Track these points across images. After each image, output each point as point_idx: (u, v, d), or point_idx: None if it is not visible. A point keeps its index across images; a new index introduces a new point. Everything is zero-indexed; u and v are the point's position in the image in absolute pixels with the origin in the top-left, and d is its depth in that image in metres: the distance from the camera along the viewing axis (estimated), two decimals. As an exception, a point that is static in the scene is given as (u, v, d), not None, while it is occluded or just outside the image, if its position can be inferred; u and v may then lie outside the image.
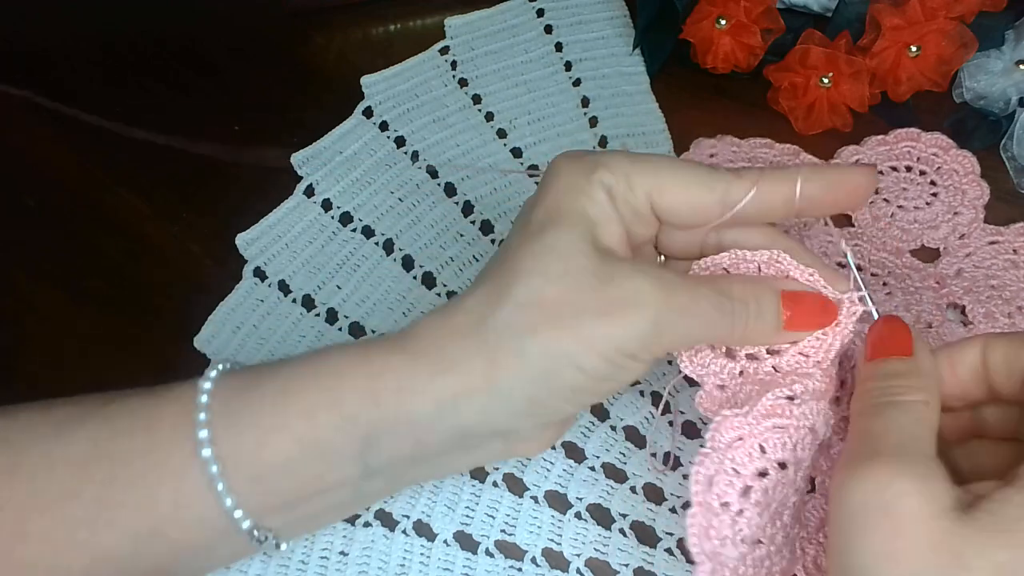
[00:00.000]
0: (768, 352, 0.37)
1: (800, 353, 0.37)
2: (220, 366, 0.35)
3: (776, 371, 0.37)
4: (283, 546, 0.36)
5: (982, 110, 0.55)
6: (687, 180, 0.36)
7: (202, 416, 0.33)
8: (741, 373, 0.37)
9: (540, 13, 0.64)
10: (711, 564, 0.33)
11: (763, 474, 0.35)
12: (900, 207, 0.51)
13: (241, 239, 0.53)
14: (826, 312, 0.36)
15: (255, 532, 0.34)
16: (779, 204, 0.36)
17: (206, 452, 0.32)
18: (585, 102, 0.59)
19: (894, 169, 0.53)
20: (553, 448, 0.44)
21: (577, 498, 0.42)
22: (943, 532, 0.28)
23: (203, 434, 0.32)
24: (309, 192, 0.55)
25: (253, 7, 0.66)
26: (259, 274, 0.52)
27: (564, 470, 0.43)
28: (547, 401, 0.34)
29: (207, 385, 0.34)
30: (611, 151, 0.37)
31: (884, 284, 0.48)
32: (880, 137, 0.54)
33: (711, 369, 0.37)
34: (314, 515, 0.36)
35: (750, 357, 0.37)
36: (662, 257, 0.39)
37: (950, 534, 0.28)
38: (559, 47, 0.62)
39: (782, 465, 0.35)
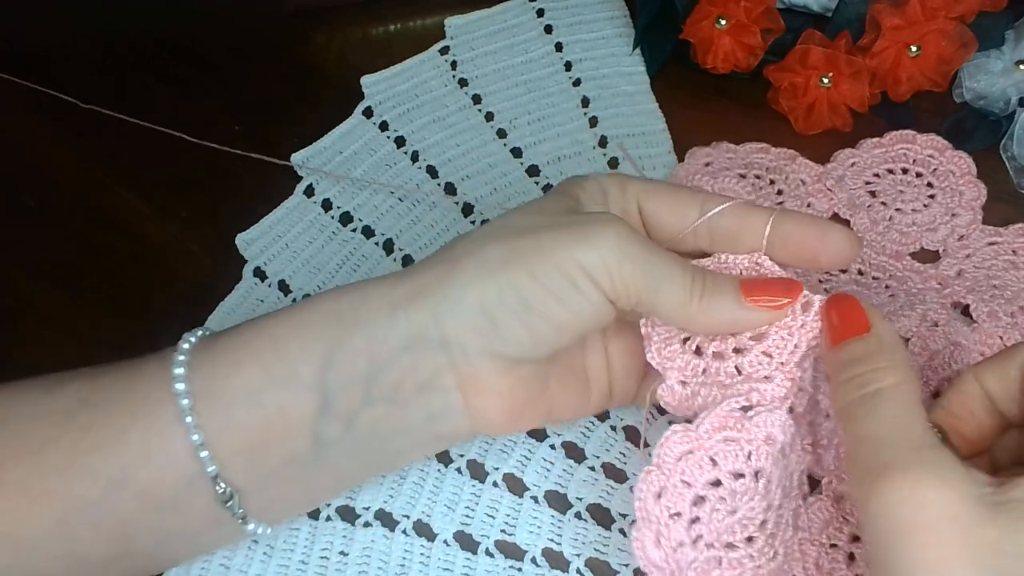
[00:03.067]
0: (734, 351, 0.37)
1: (764, 353, 0.36)
2: (204, 330, 0.37)
3: (739, 372, 0.36)
4: (251, 526, 0.36)
5: (982, 110, 0.55)
6: (672, 189, 0.39)
7: (180, 358, 0.34)
8: (704, 371, 0.37)
9: (540, 13, 0.64)
10: (659, 572, 0.35)
11: (717, 484, 0.35)
12: (898, 210, 0.51)
13: (241, 239, 0.53)
14: (789, 287, 0.36)
15: (220, 486, 0.34)
16: (750, 235, 0.37)
17: (179, 385, 0.33)
18: (585, 102, 0.59)
19: (891, 172, 0.53)
20: (553, 448, 0.44)
21: (577, 498, 0.42)
22: (972, 528, 0.28)
23: (178, 370, 0.34)
24: (309, 192, 0.55)
25: (253, 7, 0.67)
26: (259, 274, 0.52)
27: (564, 470, 0.43)
28: (495, 311, 0.34)
29: (191, 338, 0.36)
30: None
31: (886, 287, 0.48)
32: (876, 140, 0.54)
33: (676, 363, 0.37)
34: (276, 472, 0.35)
35: (716, 355, 0.37)
36: None
37: (979, 529, 0.28)
38: (559, 47, 0.62)
39: (737, 475, 0.36)
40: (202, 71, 0.63)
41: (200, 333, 0.36)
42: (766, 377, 0.36)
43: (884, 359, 0.33)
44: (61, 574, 0.35)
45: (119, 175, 0.57)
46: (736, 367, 0.36)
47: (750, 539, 0.36)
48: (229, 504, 0.35)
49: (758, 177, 0.53)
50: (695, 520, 0.35)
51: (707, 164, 0.54)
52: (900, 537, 0.29)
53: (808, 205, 0.52)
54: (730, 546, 0.36)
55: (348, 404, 0.35)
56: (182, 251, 0.54)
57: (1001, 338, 0.45)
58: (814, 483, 0.40)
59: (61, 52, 0.64)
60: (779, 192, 0.53)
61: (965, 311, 0.47)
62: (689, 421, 0.36)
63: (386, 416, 0.35)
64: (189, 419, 0.33)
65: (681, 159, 0.55)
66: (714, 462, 0.35)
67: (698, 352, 0.37)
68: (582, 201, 0.37)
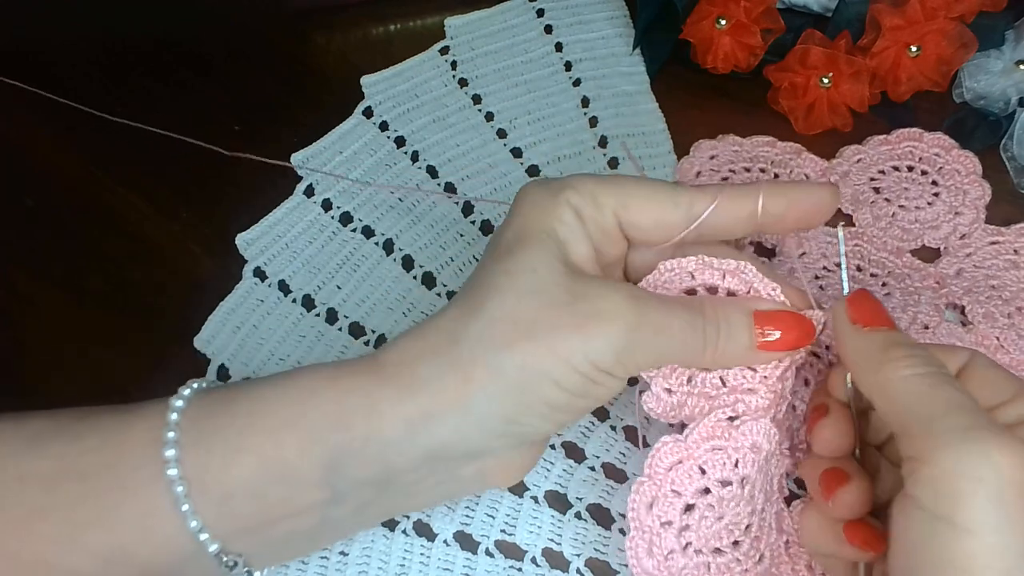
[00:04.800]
0: None
1: (747, 366, 0.37)
2: (195, 384, 0.35)
3: (723, 384, 0.37)
4: (256, 574, 0.35)
5: (982, 110, 0.55)
6: (651, 195, 0.36)
7: (170, 435, 0.32)
8: (689, 380, 0.37)
9: (540, 13, 0.64)
10: None
11: (706, 492, 0.36)
12: (901, 207, 0.51)
13: (241, 239, 0.53)
14: (803, 330, 0.36)
15: (223, 557, 0.33)
16: (742, 219, 0.37)
17: (172, 471, 0.32)
18: (585, 102, 0.59)
19: (896, 169, 0.53)
20: (553, 448, 0.44)
21: (577, 498, 0.42)
22: None
23: (169, 453, 0.32)
24: (309, 192, 0.55)
25: (253, 7, 0.67)
26: (259, 274, 0.52)
27: (564, 470, 0.43)
28: (522, 418, 0.33)
29: (179, 403, 0.33)
30: (577, 175, 0.37)
31: (883, 284, 0.48)
32: (882, 137, 0.54)
33: (661, 371, 0.37)
34: (282, 542, 0.35)
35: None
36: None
37: None
38: (559, 47, 0.62)
39: (725, 483, 0.36)
40: (202, 71, 0.63)
41: (187, 393, 0.34)
42: (750, 389, 0.37)
43: (914, 350, 0.33)
44: None
45: (119, 175, 0.57)
46: (721, 378, 0.37)
47: (736, 543, 0.37)
48: (234, 569, 0.34)
49: (762, 171, 0.54)
50: (685, 528, 0.36)
51: (712, 157, 0.55)
52: (972, 498, 0.28)
53: None
54: (717, 551, 0.37)
55: (360, 498, 0.34)
56: (182, 251, 0.54)
57: (997, 338, 0.45)
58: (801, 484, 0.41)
59: (61, 53, 0.64)
60: None
61: (962, 312, 0.47)
62: (675, 427, 0.37)
63: (401, 503, 0.36)
64: (185, 507, 0.32)
65: (681, 159, 0.55)
66: (703, 471, 0.36)
67: None
68: (564, 241, 0.35)
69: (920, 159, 0.53)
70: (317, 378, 0.34)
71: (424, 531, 0.42)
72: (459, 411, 0.33)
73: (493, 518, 0.42)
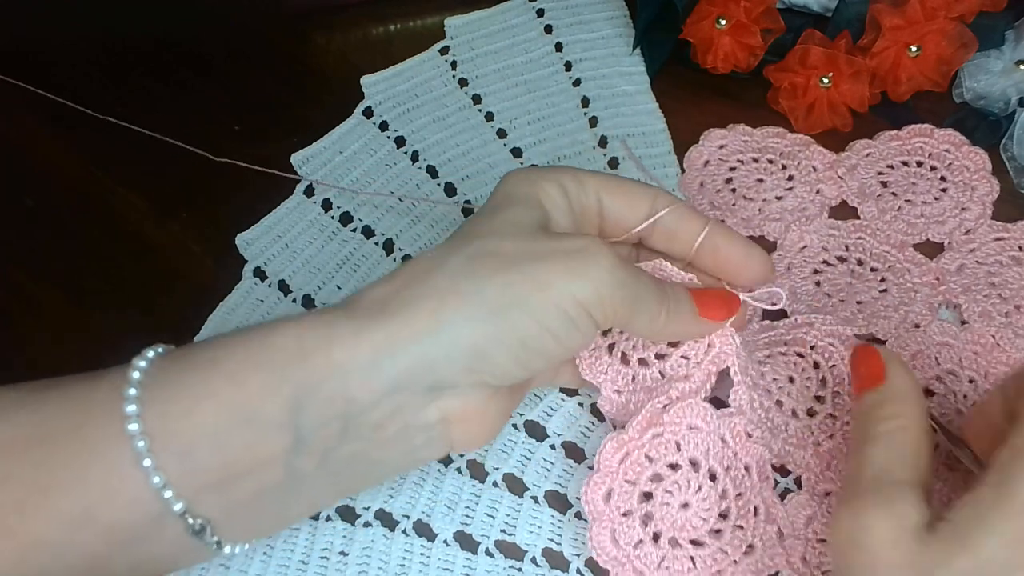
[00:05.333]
0: (656, 357, 0.41)
1: (683, 356, 0.41)
2: (160, 348, 0.34)
3: (662, 376, 0.41)
4: (227, 548, 0.34)
5: (982, 110, 0.55)
6: (627, 184, 0.40)
7: (131, 391, 0.32)
8: (633, 378, 0.41)
9: (540, 13, 0.64)
10: (618, 567, 0.38)
11: (658, 478, 0.39)
12: (908, 201, 0.52)
13: (241, 239, 0.53)
14: (730, 302, 0.40)
15: (189, 519, 0.32)
16: (683, 238, 0.41)
17: (132, 426, 0.31)
18: (585, 102, 0.59)
19: (905, 164, 0.54)
20: (553, 448, 0.44)
21: (577, 498, 0.42)
22: (911, 553, 0.29)
23: (130, 408, 0.31)
24: (309, 192, 0.55)
25: (253, 8, 0.67)
26: (259, 274, 0.52)
27: (564, 470, 0.43)
28: (491, 351, 0.33)
29: (141, 363, 0.33)
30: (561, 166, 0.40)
31: (881, 280, 0.48)
32: (893, 132, 0.55)
33: (608, 376, 0.41)
34: (249, 504, 0.34)
35: (641, 362, 0.42)
36: None
37: (917, 553, 0.29)
38: (559, 47, 0.62)
39: (673, 467, 0.39)
40: (202, 72, 0.63)
41: (151, 355, 0.33)
42: (684, 376, 0.40)
43: (892, 409, 0.35)
44: None
45: (119, 175, 0.58)
46: (660, 372, 0.41)
47: (717, 532, 0.39)
48: (203, 534, 0.33)
49: (771, 162, 0.54)
50: (648, 517, 0.39)
51: (721, 146, 0.55)
52: (849, 557, 0.31)
53: (818, 191, 0.53)
54: (696, 543, 0.39)
55: (323, 442, 0.33)
56: (182, 251, 0.54)
57: (993, 337, 0.45)
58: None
59: (61, 53, 0.64)
60: (790, 178, 0.53)
61: (958, 311, 0.47)
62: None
63: (364, 452, 0.35)
64: (148, 462, 0.31)
65: (681, 160, 0.55)
66: (650, 459, 0.39)
67: (625, 361, 0.42)
68: (547, 209, 0.38)
69: (930, 155, 0.54)
70: (281, 321, 0.33)
71: (424, 531, 0.42)
72: (428, 336, 0.33)
73: (493, 518, 0.42)
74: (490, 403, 0.36)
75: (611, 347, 0.42)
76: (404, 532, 0.42)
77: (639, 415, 0.39)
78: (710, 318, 0.39)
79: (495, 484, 0.43)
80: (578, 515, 0.42)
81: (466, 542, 0.41)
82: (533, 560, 0.41)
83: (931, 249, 0.50)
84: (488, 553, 0.41)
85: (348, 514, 0.42)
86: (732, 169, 0.54)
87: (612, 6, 0.64)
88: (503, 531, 0.42)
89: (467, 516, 0.42)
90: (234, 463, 0.32)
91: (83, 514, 0.31)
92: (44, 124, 0.60)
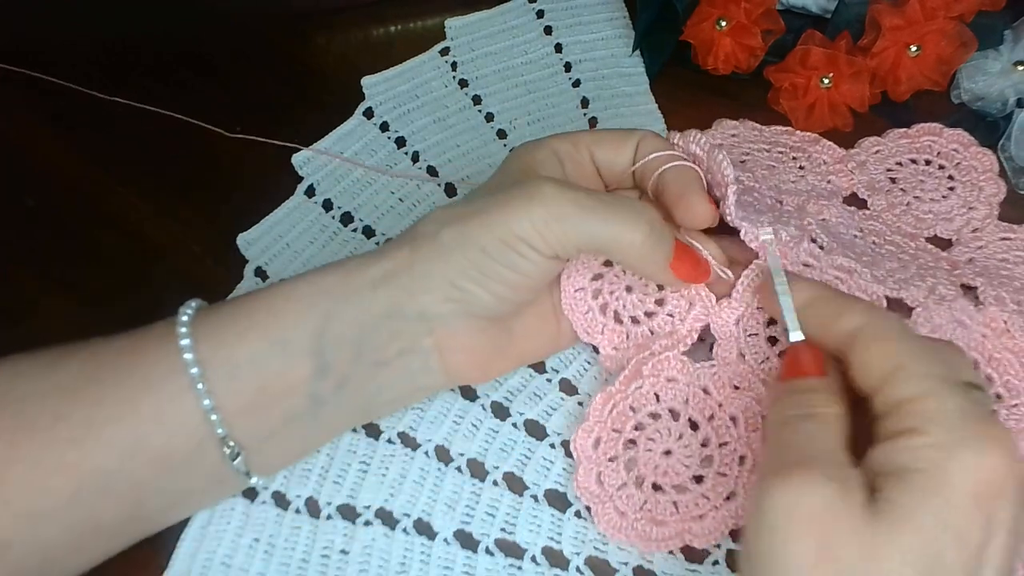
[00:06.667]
0: (646, 315, 0.44)
1: (668, 315, 0.44)
2: (197, 302, 0.39)
3: (652, 333, 0.44)
4: (253, 479, 0.40)
5: (980, 111, 0.55)
6: (613, 133, 0.44)
7: (183, 330, 0.37)
8: (628, 336, 0.44)
9: (540, 14, 0.64)
10: (601, 503, 0.41)
11: (640, 427, 0.42)
12: (916, 197, 0.52)
13: (242, 239, 0.53)
14: (701, 269, 0.42)
15: (228, 446, 0.37)
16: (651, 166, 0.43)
17: (188, 356, 0.36)
18: (585, 103, 0.59)
19: (913, 162, 0.54)
20: (552, 447, 0.44)
21: (576, 496, 0.42)
22: (856, 526, 0.30)
23: (185, 342, 0.36)
24: (310, 192, 0.55)
25: (254, 7, 0.67)
26: (260, 274, 0.52)
27: (564, 469, 0.43)
28: (459, 281, 0.38)
29: (188, 311, 0.38)
30: None
31: (898, 259, 0.48)
32: (902, 130, 0.55)
33: (605, 336, 0.44)
34: (276, 430, 0.38)
35: (633, 320, 0.44)
36: None
37: (862, 527, 0.30)
38: (559, 48, 0.62)
39: (654, 416, 0.42)
40: (204, 72, 0.63)
41: (195, 305, 0.38)
42: (669, 333, 0.44)
43: (832, 396, 0.35)
44: (73, 542, 0.36)
45: (119, 175, 0.57)
46: (649, 329, 0.44)
47: (699, 479, 0.41)
48: (236, 462, 0.38)
49: (781, 153, 0.55)
50: (631, 461, 0.41)
51: (733, 135, 0.56)
52: (795, 528, 0.31)
53: (828, 182, 0.53)
54: (680, 488, 0.41)
55: (340, 366, 0.38)
56: (182, 251, 0.54)
57: (1004, 322, 0.45)
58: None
59: (61, 53, 0.64)
60: (800, 168, 0.54)
61: (974, 293, 0.47)
62: None
63: (373, 376, 0.40)
64: (201, 386, 0.36)
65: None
66: (633, 409, 0.43)
67: (618, 319, 0.44)
68: (537, 163, 0.42)
69: (938, 153, 0.54)
70: (311, 270, 0.40)
71: (424, 530, 0.42)
72: (406, 272, 0.39)
73: (493, 516, 0.42)
74: (480, 336, 0.41)
75: (604, 308, 0.44)
76: (404, 531, 0.42)
77: (621, 372, 0.42)
78: (674, 272, 0.41)
79: (495, 483, 0.43)
80: (578, 514, 0.42)
81: (466, 541, 0.42)
82: (533, 559, 0.41)
83: (939, 245, 0.50)
84: (488, 552, 0.41)
85: (349, 513, 0.42)
86: (746, 154, 0.55)
87: (612, 7, 0.64)
88: (503, 530, 0.42)
89: (467, 515, 0.42)
90: (268, 386, 0.37)
91: (134, 443, 0.35)
92: (44, 124, 0.60)
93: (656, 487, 0.41)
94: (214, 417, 0.36)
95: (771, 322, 0.44)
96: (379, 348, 0.39)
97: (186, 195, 0.56)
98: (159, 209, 0.56)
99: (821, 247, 0.45)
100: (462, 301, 0.39)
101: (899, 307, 0.44)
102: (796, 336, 0.38)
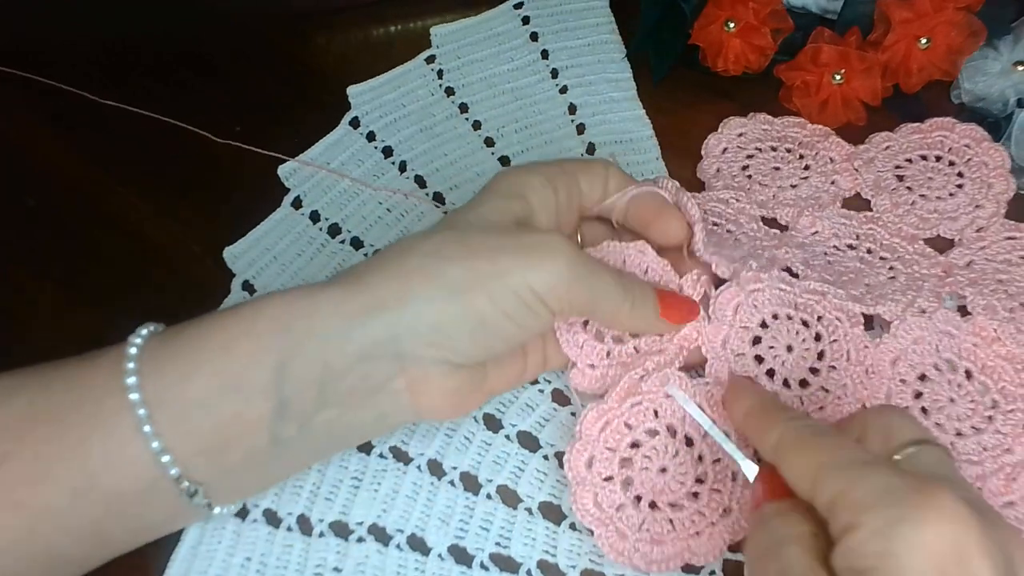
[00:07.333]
0: (630, 335, 0.44)
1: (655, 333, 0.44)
2: (151, 326, 0.37)
3: (636, 351, 0.43)
4: (216, 509, 0.38)
5: (980, 111, 0.55)
6: (589, 164, 0.44)
7: (130, 365, 0.34)
8: (608, 354, 0.43)
9: (526, 21, 0.64)
10: (602, 527, 0.40)
11: (637, 445, 0.42)
12: (922, 196, 0.52)
13: (229, 252, 0.52)
14: (691, 309, 0.43)
15: (184, 483, 0.35)
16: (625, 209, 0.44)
17: (133, 396, 0.34)
18: (572, 109, 0.59)
19: (923, 158, 0.54)
20: (546, 459, 0.43)
21: (571, 509, 0.42)
22: None
23: (130, 380, 0.34)
24: (297, 204, 0.55)
25: (253, 7, 0.66)
26: (248, 288, 0.51)
27: (558, 481, 0.43)
28: (450, 328, 0.36)
29: (137, 340, 0.36)
30: None
31: (890, 268, 0.48)
32: (915, 124, 0.55)
33: (584, 350, 0.43)
34: (237, 467, 0.36)
35: (616, 339, 0.44)
36: None
37: None
38: (545, 55, 0.62)
39: (652, 433, 0.42)
40: (203, 73, 0.63)
41: (145, 333, 0.36)
42: (659, 350, 0.43)
43: (798, 516, 0.33)
44: (38, 573, 0.35)
45: (119, 175, 0.57)
46: (635, 347, 0.43)
47: (694, 496, 0.41)
48: (195, 498, 0.36)
49: (788, 151, 0.55)
50: (628, 482, 0.41)
51: (740, 135, 0.56)
52: None
53: (832, 182, 0.53)
54: (674, 506, 0.40)
55: (302, 408, 0.36)
56: (182, 251, 0.54)
57: (994, 330, 0.44)
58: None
59: (61, 53, 0.64)
60: (806, 167, 0.54)
61: (963, 304, 0.47)
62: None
63: (339, 417, 0.37)
64: (147, 428, 0.34)
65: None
66: (629, 426, 0.42)
67: (599, 337, 0.44)
68: (532, 202, 0.41)
69: (949, 149, 0.54)
70: (268, 295, 0.37)
71: (418, 545, 0.41)
72: (394, 310, 0.36)
73: (487, 531, 0.42)
74: (454, 378, 0.38)
75: (586, 323, 0.44)
76: (398, 547, 0.41)
77: (617, 386, 0.42)
78: (668, 319, 0.42)
79: (489, 496, 0.43)
80: (573, 526, 0.42)
81: (460, 556, 0.41)
82: (528, 572, 0.41)
83: (941, 244, 0.50)
84: (483, 566, 0.41)
85: (341, 530, 0.42)
86: (750, 156, 0.55)
87: (598, 13, 0.64)
88: (498, 544, 0.41)
89: (461, 529, 0.42)
90: (224, 428, 0.35)
91: (85, 483, 0.34)
92: (44, 124, 0.60)
93: (653, 505, 0.40)
94: (165, 458, 0.34)
95: (756, 340, 0.45)
96: (346, 391, 0.37)
97: (186, 195, 0.56)
98: (159, 209, 0.56)
99: (796, 275, 0.46)
100: (444, 349, 0.37)
101: (878, 322, 0.45)
102: (749, 469, 0.38)
